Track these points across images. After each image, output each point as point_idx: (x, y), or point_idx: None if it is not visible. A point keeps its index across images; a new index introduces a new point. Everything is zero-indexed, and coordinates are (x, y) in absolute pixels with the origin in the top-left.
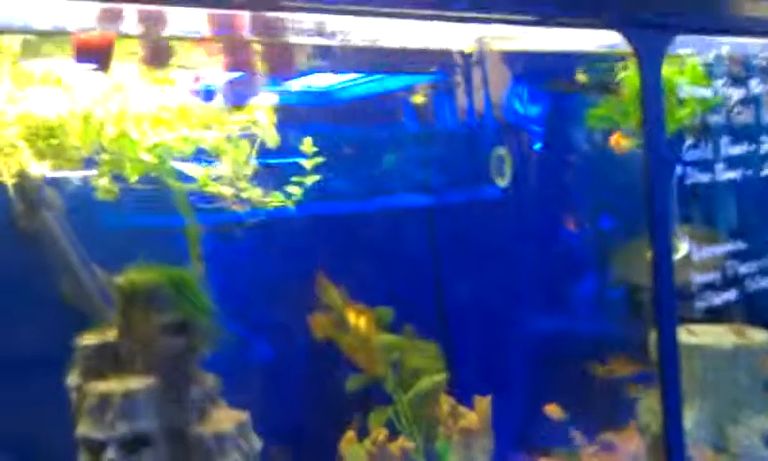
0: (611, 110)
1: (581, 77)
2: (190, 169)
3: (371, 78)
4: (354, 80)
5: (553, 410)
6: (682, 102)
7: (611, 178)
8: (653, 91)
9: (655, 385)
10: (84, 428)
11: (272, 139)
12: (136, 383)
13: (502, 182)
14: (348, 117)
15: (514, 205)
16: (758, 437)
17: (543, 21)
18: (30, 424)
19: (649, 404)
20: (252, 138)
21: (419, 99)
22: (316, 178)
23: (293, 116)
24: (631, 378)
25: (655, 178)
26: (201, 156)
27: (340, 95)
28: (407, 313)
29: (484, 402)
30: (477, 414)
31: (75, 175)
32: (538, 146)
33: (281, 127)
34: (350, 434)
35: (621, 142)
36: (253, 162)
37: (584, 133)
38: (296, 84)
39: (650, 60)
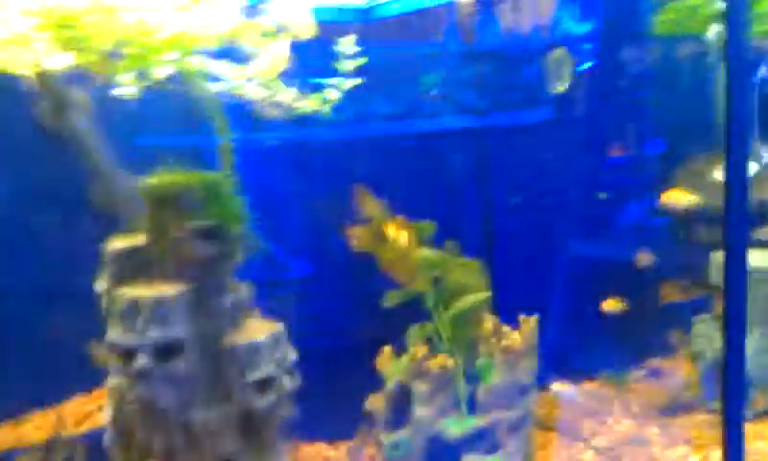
0: (680, 14)
1: None
2: (220, 68)
3: None
4: None
5: (611, 304)
6: None
7: (673, 93)
8: None
9: (710, 312)
10: (113, 334)
11: (308, 30)
12: (168, 289)
13: (561, 87)
14: (389, 34)
15: (562, 125)
16: None
17: None
18: (60, 327)
19: (703, 331)
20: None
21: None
22: (357, 80)
23: (330, 33)
24: (681, 305)
25: (735, 84)
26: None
27: (380, 12)
28: (452, 232)
29: (529, 322)
30: (522, 334)
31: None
32: (588, 64)
33: (318, 44)
34: (387, 350)
35: None
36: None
37: (646, 43)
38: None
39: None
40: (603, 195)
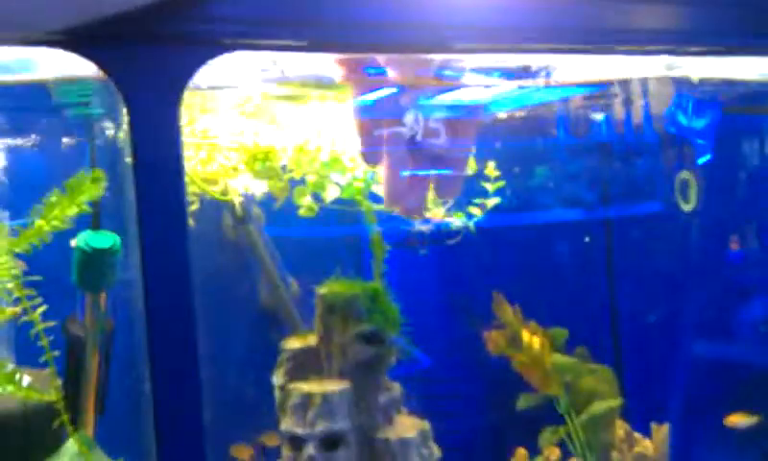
0: None
1: None
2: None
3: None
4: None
5: (737, 420)
6: None
7: None
8: None
9: None
10: (287, 424)
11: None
12: (334, 386)
13: (687, 208)
14: (507, 131)
15: (689, 225)
16: None
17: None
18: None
19: None
20: None
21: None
22: (497, 200)
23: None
24: None
25: None
26: None
27: (495, 108)
28: (579, 333)
29: (661, 431)
30: (654, 442)
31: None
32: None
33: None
34: (522, 451)
35: None
36: None
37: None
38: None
39: None
40: None
